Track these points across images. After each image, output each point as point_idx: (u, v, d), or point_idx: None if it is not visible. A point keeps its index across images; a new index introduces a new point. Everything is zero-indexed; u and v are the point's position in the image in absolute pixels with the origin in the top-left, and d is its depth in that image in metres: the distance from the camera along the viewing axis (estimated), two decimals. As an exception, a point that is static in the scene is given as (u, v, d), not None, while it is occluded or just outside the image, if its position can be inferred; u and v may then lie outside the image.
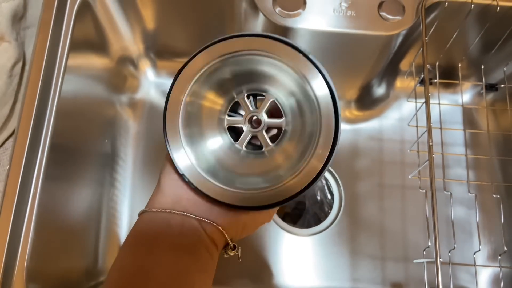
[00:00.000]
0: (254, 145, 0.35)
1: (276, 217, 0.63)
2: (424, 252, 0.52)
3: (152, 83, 0.65)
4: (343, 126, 0.67)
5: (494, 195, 0.53)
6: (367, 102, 0.67)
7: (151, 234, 0.29)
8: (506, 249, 0.49)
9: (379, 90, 0.66)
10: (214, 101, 0.32)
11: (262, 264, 0.60)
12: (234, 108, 0.34)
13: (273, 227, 0.61)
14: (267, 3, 0.49)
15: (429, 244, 0.51)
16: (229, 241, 0.30)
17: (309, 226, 0.64)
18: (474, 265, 0.50)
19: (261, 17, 0.50)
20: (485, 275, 0.60)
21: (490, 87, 0.60)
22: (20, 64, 0.54)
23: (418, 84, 0.58)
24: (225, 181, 0.29)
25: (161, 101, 0.64)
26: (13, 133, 0.56)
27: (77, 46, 0.47)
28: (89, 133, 0.54)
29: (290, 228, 0.62)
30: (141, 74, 0.64)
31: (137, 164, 0.62)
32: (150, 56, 0.63)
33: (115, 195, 0.59)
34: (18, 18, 0.53)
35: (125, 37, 0.58)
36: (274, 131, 0.35)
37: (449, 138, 0.65)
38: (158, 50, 0.63)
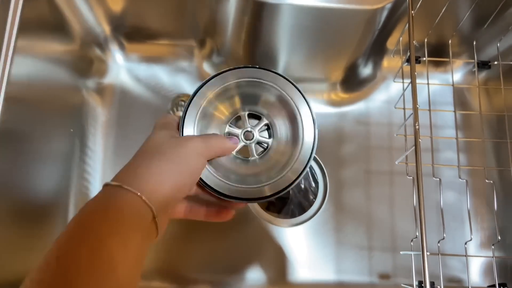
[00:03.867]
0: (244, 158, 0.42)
1: (258, 207, 0.59)
2: (412, 243, 0.49)
3: (122, 67, 0.60)
4: (329, 110, 0.63)
5: (486, 180, 0.49)
6: (353, 83, 0.63)
7: (120, 215, 0.28)
8: (499, 238, 0.46)
9: (366, 71, 0.62)
10: (222, 112, 0.40)
11: (245, 256, 0.57)
12: (235, 122, 0.42)
13: (256, 217, 0.58)
14: (239, -24, 0.45)
15: (417, 234, 0.48)
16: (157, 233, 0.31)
17: (293, 216, 0.60)
18: (465, 255, 0.47)
19: (234, -8, 0.46)
20: (477, 263, 0.58)
21: (483, 65, 0.56)
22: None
23: (405, 63, 0.54)
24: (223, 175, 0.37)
25: (132, 86, 0.60)
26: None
27: (28, 27, 0.43)
28: (50, 121, 0.50)
29: (272, 219, 0.59)
30: (109, 58, 0.60)
31: (108, 155, 0.58)
32: (118, 38, 0.59)
33: (85, 187, 0.55)
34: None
35: (87, 17, 0.53)
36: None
37: (440, 121, 0.62)
38: (127, 32, 0.58)
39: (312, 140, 0.38)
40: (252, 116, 0.42)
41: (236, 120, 0.42)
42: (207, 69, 0.61)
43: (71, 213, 0.53)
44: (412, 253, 0.48)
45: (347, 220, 0.58)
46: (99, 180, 0.56)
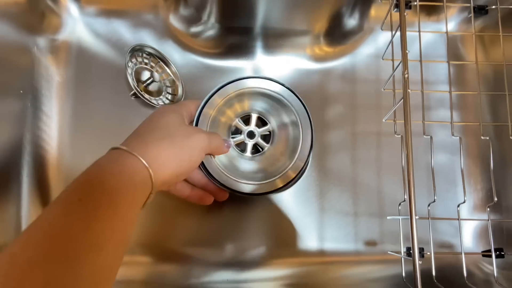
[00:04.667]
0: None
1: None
2: (399, 207, 0.45)
3: (78, 21, 0.54)
4: (312, 66, 0.57)
5: (482, 137, 0.45)
6: (338, 35, 0.57)
7: (132, 180, 0.29)
8: (496, 199, 0.42)
9: (351, 21, 0.56)
10: (234, 109, 0.46)
11: (224, 228, 0.52)
12: (243, 120, 0.48)
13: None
14: None
15: (405, 197, 0.44)
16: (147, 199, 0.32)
17: (274, 182, 0.56)
18: (458, 219, 0.43)
19: None
20: (470, 228, 0.54)
21: (479, 10, 0.50)
22: None
23: (394, 9, 0.48)
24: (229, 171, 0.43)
25: (91, 43, 0.54)
26: None
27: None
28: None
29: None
30: (63, 10, 0.53)
31: (66, 120, 0.52)
32: (71, -13, 0.52)
33: (40, 155, 0.50)
34: None
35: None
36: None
37: (431, 75, 0.57)
38: (81, -21, 0.52)
39: (307, 156, 0.43)
40: (259, 119, 0.48)
41: (246, 117, 0.48)
42: (175, 23, 0.55)
43: (25, 183, 0.48)
44: (400, 217, 0.44)
45: (331, 186, 0.54)
46: (56, 147, 0.51)
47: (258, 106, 0.47)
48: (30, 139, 0.49)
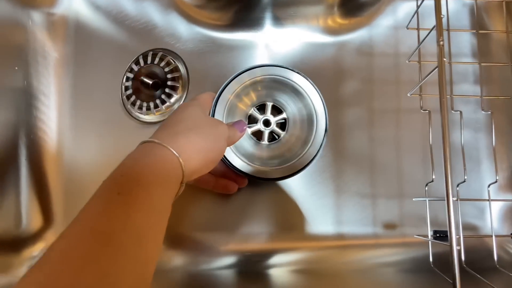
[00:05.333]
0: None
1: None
2: (426, 188, 0.42)
3: (74, -8, 0.50)
4: (325, 39, 0.54)
5: (514, 112, 0.41)
6: (353, 6, 0.53)
7: (165, 169, 0.30)
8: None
9: (368, -10, 0.52)
10: (250, 98, 0.47)
11: (236, 212, 0.50)
12: (258, 108, 0.49)
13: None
14: None
15: (433, 177, 0.41)
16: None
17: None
18: (489, 199, 0.40)
19: None
20: (495, 208, 0.51)
21: (510, -26, 0.47)
22: None
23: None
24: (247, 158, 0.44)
25: (90, 16, 0.50)
26: None
27: None
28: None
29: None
30: (58, -20, 0.49)
31: (65, 98, 0.49)
32: (67, -45, 0.48)
33: (39, 137, 0.47)
34: None
35: None
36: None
37: (454, 47, 0.53)
38: None
39: (320, 142, 0.44)
40: (274, 107, 0.48)
41: (261, 106, 0.49)
42: (179, -7, 0.51)
43: (24, 167, 0.45)
44: (427, 199, 0.41)
45: (348, 166, 0.51)
46: (55, 128, 0.48)
47: (273, 94, 0.47)
48: (27, 120, 0.46)
